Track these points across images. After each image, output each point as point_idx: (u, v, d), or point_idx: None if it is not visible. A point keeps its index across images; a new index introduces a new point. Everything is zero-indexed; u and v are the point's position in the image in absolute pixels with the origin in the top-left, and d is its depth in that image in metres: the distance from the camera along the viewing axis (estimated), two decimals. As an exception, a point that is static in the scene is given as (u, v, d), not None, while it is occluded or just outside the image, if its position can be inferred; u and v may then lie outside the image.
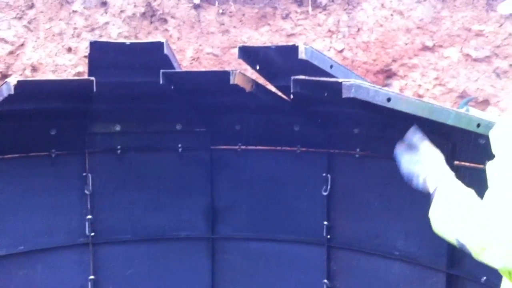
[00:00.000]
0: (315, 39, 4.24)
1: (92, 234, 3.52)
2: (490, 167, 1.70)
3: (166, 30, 4.22)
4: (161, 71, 2.77)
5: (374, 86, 2.32)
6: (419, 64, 4.14)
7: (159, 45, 2.70)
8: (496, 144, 1.71)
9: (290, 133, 3.53)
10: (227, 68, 3.85)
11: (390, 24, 4.11)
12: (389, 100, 2.24)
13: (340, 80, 2.27)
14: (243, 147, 3.66)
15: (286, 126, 3.52)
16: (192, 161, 3.67)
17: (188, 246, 3.71)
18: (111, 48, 2.84)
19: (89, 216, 3.50)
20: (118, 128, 3.52)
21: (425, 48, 4.10)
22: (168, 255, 3.71)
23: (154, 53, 2.73)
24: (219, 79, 2.76)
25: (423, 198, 3.11)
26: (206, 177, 3.68)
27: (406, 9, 4.07)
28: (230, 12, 4.20)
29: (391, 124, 3.16)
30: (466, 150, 2.92)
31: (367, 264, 3.39)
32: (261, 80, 3.36)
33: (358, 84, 2.21)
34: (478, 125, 2.26)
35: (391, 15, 4.11)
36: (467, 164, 2.90)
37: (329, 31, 4.23)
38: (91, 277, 3.55)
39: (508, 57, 4.01)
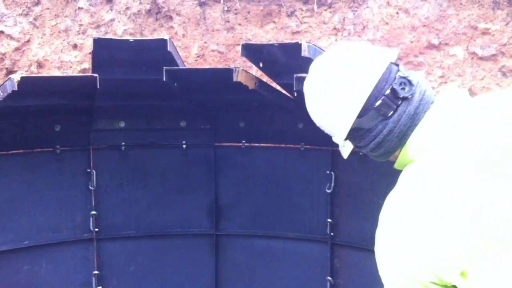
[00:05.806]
0: (321, 37, 4.23)
1: (96, 229, 3.54)
2: None
3: (171, 27, 4.23)
4: (165, 68, 2.78)
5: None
6: (424, 62, 4.12)
7: (162, 42, 2.70)
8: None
9: (294, 130, 3.53)
10: (232, 66, 3.85)
11: (396, 22, 4.09)
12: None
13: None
14: (247, 144, 3.66)
15: (290, 123, 3.52)
16: (196, 158, 3.68)
17: (192, 242, 3.73)
18: (115, 45, 2.85)
19: (94, 212, 3.52)
20: (122, 124, 3.54)
21: (430, 46, 4.08)
22: (171, 251, 3.72)
23: (158, 50, 2.73)
24: (222, 76, 2.76)
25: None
26: (210, 174, 3.69)
27: (412, 7, 4.05)
28: (235, 10, 4.20)
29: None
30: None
31: (370, 262, 3.38)
32: (266, 78, 3.36)
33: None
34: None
35: (397, 13, 4.09)
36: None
37: (335, 28, 4.22)
38: (95, 272, 3.57)
39: (515, 55, 3.98)
